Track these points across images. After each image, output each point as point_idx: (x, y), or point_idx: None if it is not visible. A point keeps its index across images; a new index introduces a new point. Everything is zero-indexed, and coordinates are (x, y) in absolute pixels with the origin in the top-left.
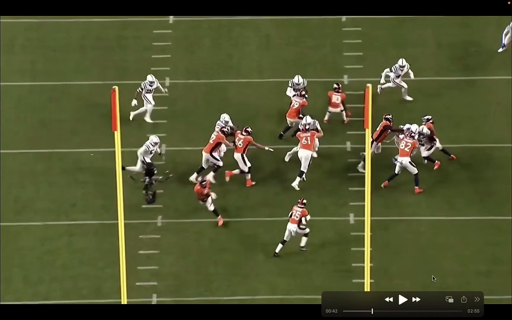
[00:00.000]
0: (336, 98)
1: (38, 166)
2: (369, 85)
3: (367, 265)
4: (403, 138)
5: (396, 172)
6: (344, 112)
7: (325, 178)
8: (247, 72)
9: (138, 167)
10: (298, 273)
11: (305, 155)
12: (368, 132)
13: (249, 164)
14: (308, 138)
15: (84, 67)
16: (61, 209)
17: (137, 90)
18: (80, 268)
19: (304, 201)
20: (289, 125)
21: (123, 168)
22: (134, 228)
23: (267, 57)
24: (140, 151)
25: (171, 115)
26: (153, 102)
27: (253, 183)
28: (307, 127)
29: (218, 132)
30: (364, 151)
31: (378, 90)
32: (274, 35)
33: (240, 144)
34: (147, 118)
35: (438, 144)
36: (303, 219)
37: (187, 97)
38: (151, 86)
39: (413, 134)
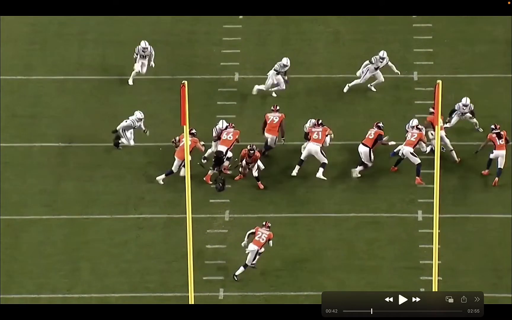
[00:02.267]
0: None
1: (107, 160)
2: (439, 81)
3: (435, 262)
4: (410, 129)
5: (400, 155)
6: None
7: (393, 175)
8: (316, 67)
9: (132, 142)
10: (366, 269)
11: (314, 149)
12: (437, 128)
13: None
14: (320, 133)
15: (154, 62)
16: (129, 202)
17: (133, 56)
18: (148, 261)
19: (269, 224)
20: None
21: (114, 131)
22: (202, 222)
23: (336, 53)
24: (122, 125)
25: (240, 110)
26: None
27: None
28: (319, 121)
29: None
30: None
31: (345, 89)
32: (343, 31)
33: (230, 138)
34: (130, 80)
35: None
36: (270, 242)
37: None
38: (144, 52)
39: (419, 126)
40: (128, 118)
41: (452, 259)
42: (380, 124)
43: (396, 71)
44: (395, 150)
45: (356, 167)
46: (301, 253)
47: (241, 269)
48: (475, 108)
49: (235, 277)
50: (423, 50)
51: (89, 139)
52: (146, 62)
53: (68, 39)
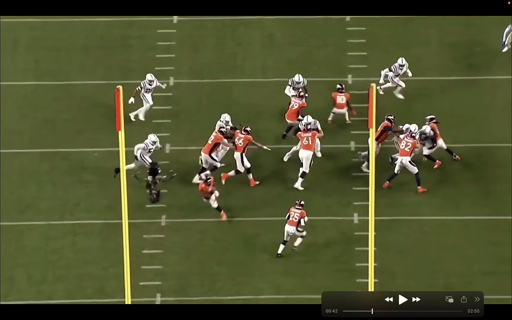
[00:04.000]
0: (340, 98)
1: (42, 166)
2: (373, 84)
3: (371, 265)
4: (403, 137)
5: (395, 171)
6: (348, 112)
7: (329, 178)
8: (251, 71)
9: (133, 165)
10: (301, 273)
11: (306, 156)
12: (372, 131)
13: (248, 164)
14: (309, 138)
15: (88, 67)
16: (65, 208)
17: (136, 88)
18: (84, 267)
19: (302, 202)
20: (290, 125)
21: (117, 171)
22: (138, 228)
23: (271, 56)
24: (138, 147)
25: (175, 115)
26: (151, 102)
27: (257, 182)
28: (308, 127)
29: (216, 132)
30: (364, 151)
31: (380, 91)
32: (278, 35)
33: (240, 143)
34: (141, 116)
35: (442, 144)
36: (302, 220)
37: (191, 96)
38: (150, 85)
39: (413, 134)
40: (142, 143)
41: (388, 261)
42: (391, 117)
43: (410, 76)
44: (393, 156)
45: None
46: (237, 256)
47: (281, 246)
48: (413, 112)
49: (278, 255)
50: (357, 53)
51: (24, 145)
52: (149, 96)
53: None
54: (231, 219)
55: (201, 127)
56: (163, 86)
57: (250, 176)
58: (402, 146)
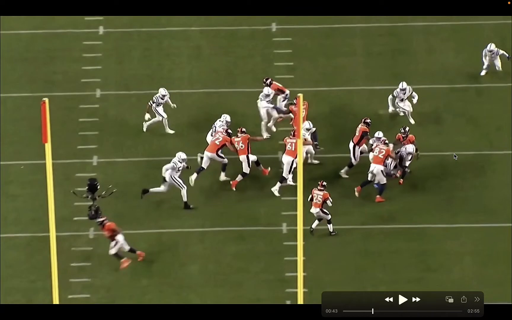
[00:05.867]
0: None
1: None
2: (300, 95)
3: (300, 274)
4: (377, 145)
5: (369, 179)
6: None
7: (258, 188)
8: (178, 82)
9: (162, 187)
10: (230, 283)
11: (287, 161)
12: (300, 141)
13: (254, 158)
14: (293, 144)
15: (13, 79)
16: None
17: (149, 103)
18: (12, 281)
19: (324, 183)
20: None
21: (146, 191)
22: (66, 241)
23: (198, 67)
24: (167, 167)
25: (102, 127)
26: (164, 115)
27: (269, 169)
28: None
29: (223, 133)
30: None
31: (411, 121)
32: (204, 45)
33: (242, 146)
34: (167, 130)
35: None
36: (328, 201)
37: (118, 108)
38: (162, 99)
39: (387, 141)
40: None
41: (317, 271)
42: (368, 121)
43: (416, 98)
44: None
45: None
46: (166, 268)
47: (316, 222)
48: (336, 121)
49: (311, 231)
50: (283, 63)
51: None
52: (161, 109)
53: None
54: (161, 230)
55: (129, 138)
56: (172, 105)
57: (261, 167)
58: (376, 152)
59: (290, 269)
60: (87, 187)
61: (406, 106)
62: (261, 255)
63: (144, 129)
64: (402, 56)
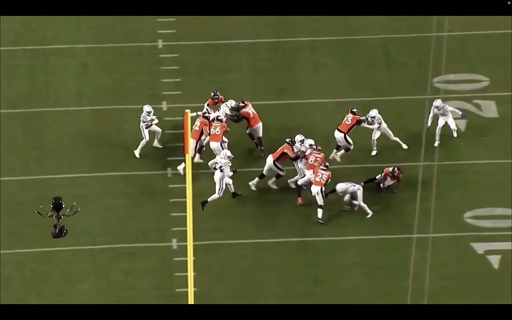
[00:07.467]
0: None
1: None
2: (188, 110)
3: (190, 290)
4: (311, 153)
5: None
6: None
7: (147, 204)
8: (65, 100)
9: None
10: (122, 300)
11: (269, 162)
12: (188, 157)
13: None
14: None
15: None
16: None
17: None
18: None
19: (327, 164)
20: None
21: (205, 203)
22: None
23: (84, 84)
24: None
25: None
26: (147, 138)
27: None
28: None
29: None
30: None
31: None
32: (90, 63)
33: (218, 132)
34: (137, 151)
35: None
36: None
37: (5, 127)
38: (148, 115)
39: (320, 148)
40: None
41: (208, 286)
42: (354, 110)
43: (384, 125)
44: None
45: (333, 151)
46: (56, 287)
47: (320, 211)
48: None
49: (320, 220)
50: (170, 80)
51: None
52: (147, 132)
53: None
54: (50, 248)
55: (15, 157)
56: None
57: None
58: (311, 160)
59: (181, 284)
60: (52, 206)
61: (388, 130)
62: (152, 271)
63: (137, 155)
64: (288, 71)
